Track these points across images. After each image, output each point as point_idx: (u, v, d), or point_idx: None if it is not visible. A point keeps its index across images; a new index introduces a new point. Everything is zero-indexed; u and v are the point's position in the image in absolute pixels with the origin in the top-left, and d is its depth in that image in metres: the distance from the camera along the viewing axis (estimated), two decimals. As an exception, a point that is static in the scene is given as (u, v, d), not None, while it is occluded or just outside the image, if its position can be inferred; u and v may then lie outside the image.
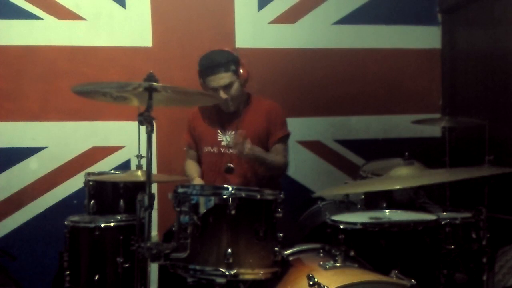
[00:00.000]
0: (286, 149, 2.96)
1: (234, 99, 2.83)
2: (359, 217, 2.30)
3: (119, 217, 2.75)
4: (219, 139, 2.90)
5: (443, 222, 2.48)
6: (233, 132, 2.87)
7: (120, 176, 3.01)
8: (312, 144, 3.85)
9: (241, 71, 2.82)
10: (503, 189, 2.75)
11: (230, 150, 2.85)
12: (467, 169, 2.11)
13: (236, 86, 2.81)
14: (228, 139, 2.87)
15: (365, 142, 3.92)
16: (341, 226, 2.18)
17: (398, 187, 2.50)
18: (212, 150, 2.91)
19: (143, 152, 2.61)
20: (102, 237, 2.65)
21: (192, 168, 2.97)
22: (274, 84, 3.68)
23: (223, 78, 2.77)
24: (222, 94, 2.78)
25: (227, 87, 2.78)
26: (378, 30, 3.92)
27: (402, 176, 2.03)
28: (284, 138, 2.95)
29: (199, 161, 3.02)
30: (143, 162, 2.64)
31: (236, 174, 2.84)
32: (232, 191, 1.89)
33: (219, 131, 2.91)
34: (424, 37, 3.97)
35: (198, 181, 2.83)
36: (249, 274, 1.88)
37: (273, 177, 2.93)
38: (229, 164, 2.84)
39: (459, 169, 2.17)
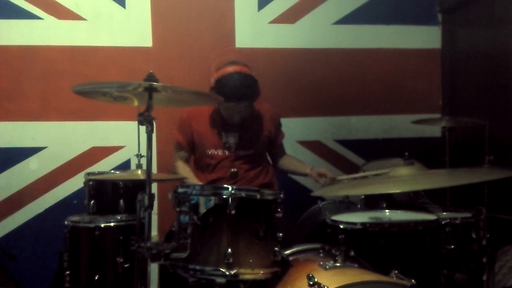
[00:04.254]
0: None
1: (242, 117, 2.87)
2: (359, 217, 2.29)
3: (119, 217, 2.74)
4: (222, 141, 2.90)
5: (443, 222, 2.48)
6: (237, 134, 2.88)
7: (120, 176, 3.00)
8: (312, 144, 3.85)
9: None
10: (503, 189, 2.75)
11: (235, 151, 2.90)
12: (467, 170, 2.10)
13: (249, 109, 2.86)
14: (232, 141, 2.89)
15: (365, 142, 3.91)
16: (341, 226, 2.18)
17: (398, 191, 2.51)
18: (216, 152, 2.91)
19: (143, 152, 2.61)
20: (102, 237, 2.65)
21: (186, 170, 2.96)
22: (274, 84, 3.68)
23: (244, 108, 2.82)
24: (235, 116, 2.84)
25: (243, 113, 2.85)
26: (378, 30, 3.92)
27: (402, 176, 2.02)
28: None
29: (188, 162, 3.03)
30: (143, 161, 2.63)
31: (241, 177, 2.88)
32: (232, 191, 1.89)
33: (222, 133, 2.91)
34: (424, 37, 3.97)
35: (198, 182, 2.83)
36: (249, 274, 1.88)
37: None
38: (233, 170, 2.83)
39: (459, 170, 2.17)
